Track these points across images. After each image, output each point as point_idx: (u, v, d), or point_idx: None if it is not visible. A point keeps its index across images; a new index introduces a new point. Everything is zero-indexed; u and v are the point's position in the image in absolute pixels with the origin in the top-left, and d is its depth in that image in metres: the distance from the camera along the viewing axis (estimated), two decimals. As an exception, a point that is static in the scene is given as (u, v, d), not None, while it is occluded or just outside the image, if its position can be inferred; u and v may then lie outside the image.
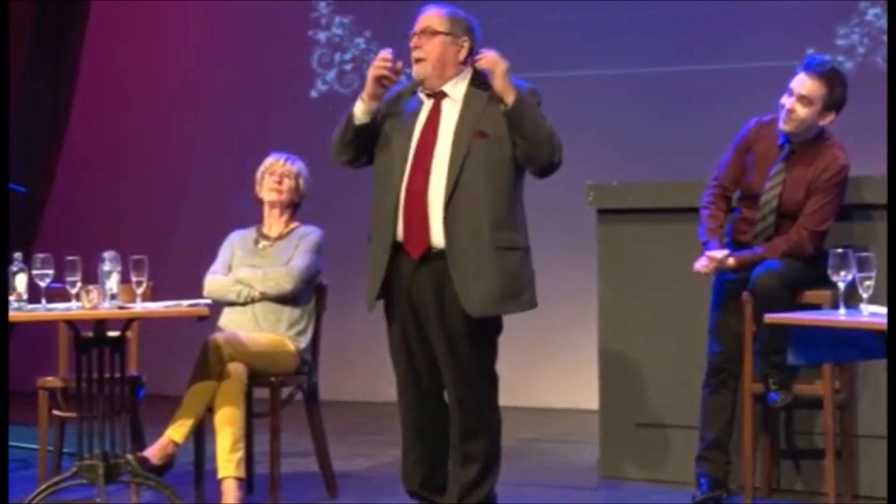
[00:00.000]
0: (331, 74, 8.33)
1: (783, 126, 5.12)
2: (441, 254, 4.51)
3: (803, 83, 5.07)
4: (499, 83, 4.50)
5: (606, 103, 7.71)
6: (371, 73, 4.57)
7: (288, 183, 5.53)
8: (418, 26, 4.61)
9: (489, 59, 4.52)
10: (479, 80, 4.58)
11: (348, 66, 8.30)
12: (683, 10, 7.59)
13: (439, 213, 4.49)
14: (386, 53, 4.57)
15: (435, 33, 4.58)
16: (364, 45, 8.28)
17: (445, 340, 4.56)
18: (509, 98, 4.49)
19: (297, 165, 5.57)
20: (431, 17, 4.61)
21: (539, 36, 7.82)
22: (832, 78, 5.08)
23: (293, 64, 8.39)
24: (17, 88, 7.63)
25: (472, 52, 4.61)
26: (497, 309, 4.55)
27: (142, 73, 8.61)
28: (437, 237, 4.51)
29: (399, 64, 4.58)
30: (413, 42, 4.61)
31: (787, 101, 5.10)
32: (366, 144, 4.65)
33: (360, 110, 4.61)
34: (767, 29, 7.44)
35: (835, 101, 5.08)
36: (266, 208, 5.57)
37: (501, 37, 7.61)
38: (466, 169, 4.49)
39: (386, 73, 4.55)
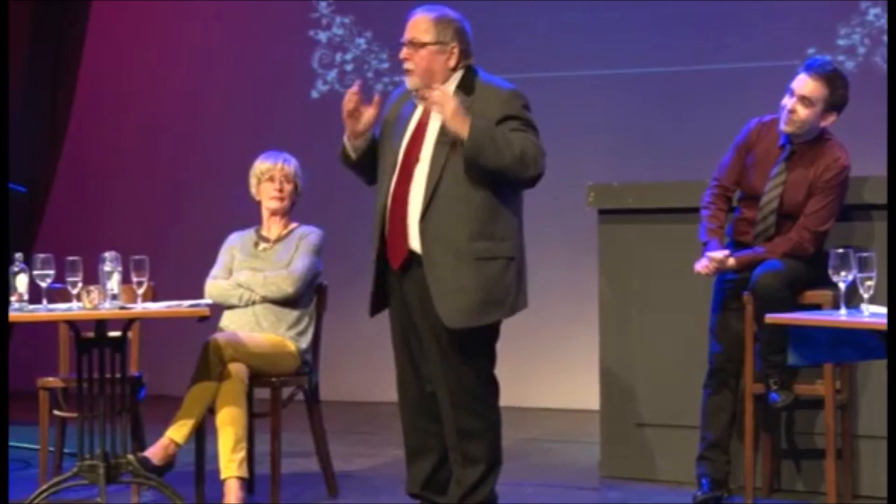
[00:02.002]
0: (331, 74, 8.33)
1: (784, 127, 5.12)
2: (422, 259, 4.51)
3: (805, 84, 5.06)
4: (448, 125, 4.40)
5: (606, 103, 7.70)
6: (343, 112, 4.54)
7: (288, 188, 5.52)
8: (406, 35, 4.56)
9: (434, 101, 4.40)
10: (468, 84, 4.54)
11: (349, 67, 8.30)
12: (683, 10, 7.59)
13: (417, 221, 4.48)
14: (353, 88, 4.53)
15: (422, 45, 4.53)
16: (365, 45, 8.28)
17: (436, 344, 4.54)
18: (463, 137, 4.37)
19: (293, 166, 5.55)
20: (418, 26, 4.55)
21: (539, 36, 7.82)
22: (833, 79, 5.08)
23: (293, 64, 8.38)
24: (16, 88, 7.62)
25: (463, 55, 4.56)
26: (478, 320, 4.48)
27: (141, 73, 8.61)
28: (416, 243, 4.50)
29: (375, 99, 4.54)
30: (402, 53, 4.57)
31: (788, 101, 5.09)
32: (374, 164, 4.66)
33: (349, 148, 4.62)
34: (767, 29, 7.44)
35: (836, 102, 5.08)
36: (265, 212, 5.56)
37: (502, 37, 7.73)
38: (445, 179, 4.45)
39: (354, 105, 4.51)
